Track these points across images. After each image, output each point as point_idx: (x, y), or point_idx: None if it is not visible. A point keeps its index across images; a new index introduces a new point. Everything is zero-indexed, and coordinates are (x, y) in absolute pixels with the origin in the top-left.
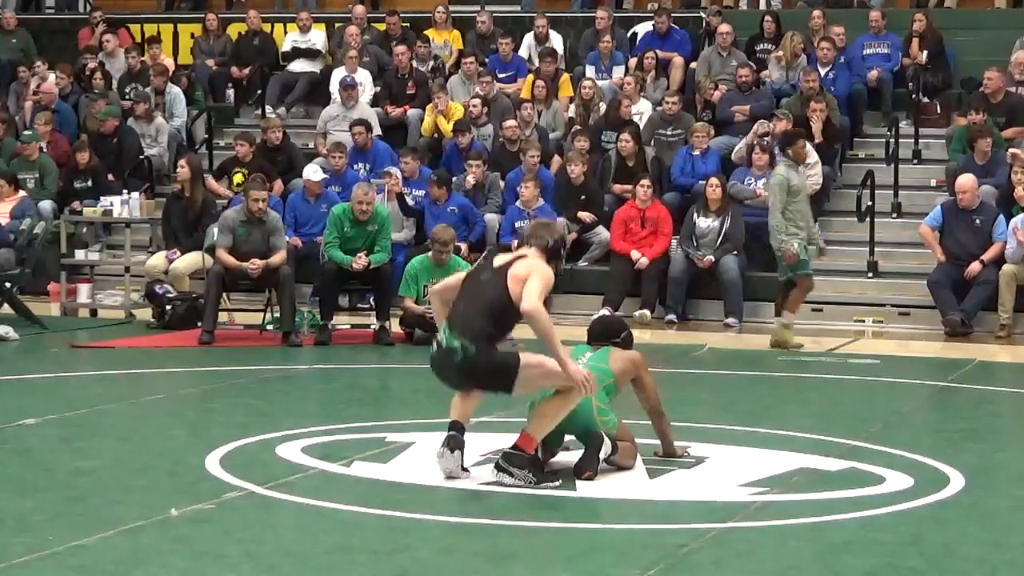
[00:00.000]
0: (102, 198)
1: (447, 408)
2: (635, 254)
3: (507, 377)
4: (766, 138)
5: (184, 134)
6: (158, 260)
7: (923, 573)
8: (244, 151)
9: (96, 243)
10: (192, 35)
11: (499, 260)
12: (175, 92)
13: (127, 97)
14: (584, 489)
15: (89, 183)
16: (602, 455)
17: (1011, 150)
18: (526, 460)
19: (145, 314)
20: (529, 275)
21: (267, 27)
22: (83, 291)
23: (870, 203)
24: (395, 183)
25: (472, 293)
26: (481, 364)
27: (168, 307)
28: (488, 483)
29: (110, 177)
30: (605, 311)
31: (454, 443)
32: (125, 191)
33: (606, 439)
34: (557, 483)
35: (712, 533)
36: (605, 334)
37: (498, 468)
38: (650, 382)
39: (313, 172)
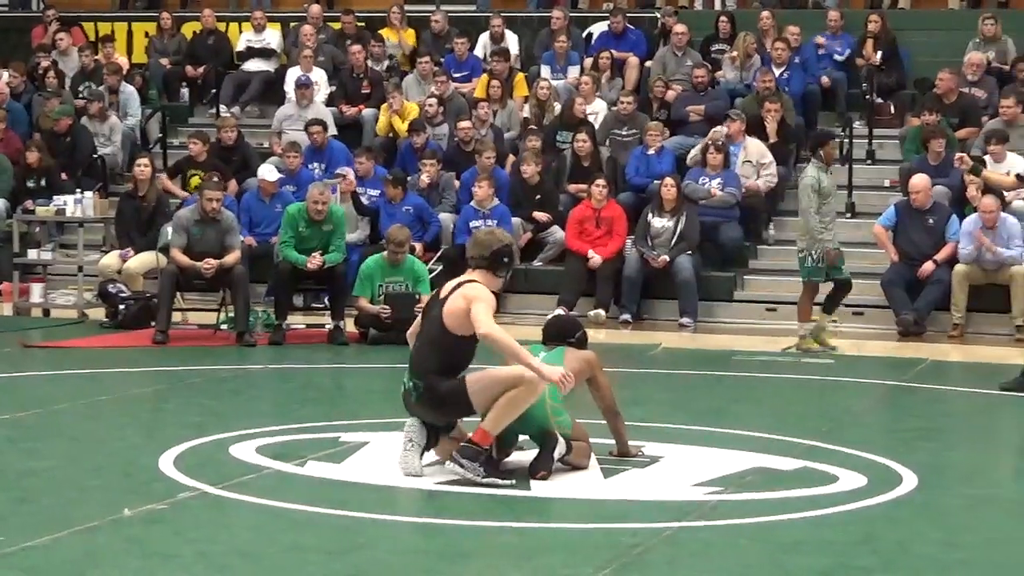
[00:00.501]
0: (55, 197)
1: (401, 408)
2: (590, 253)
3: (461, 401)
4: (721, 139)
5: (138, 133)
6: (112, 259)
7: (875, 572)
8: (198, 149)
9: (49, 242)
10: (146, 34)
11: (446, 289)
12: (129, 91)
13: (80, 96)
14: (539, 489)
15: (42, 182)
16: (556, 455)
17: (959, 154)
18: (479, 453)
19: (98, 314)
20: (468, 307)
21: (222, 26)
22: (36, 290)
23: None
24: (349, 184)
25: (424, 331)
26: (433, 398)
27: (121, 307)
28: (442, 482)
29: (63, 176)
30: (560, 311)
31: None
32: (78, 190)
33: (560, 439)
34: (510, 483)
35: (666, 532)
36: (560, 334)
37: (451, 459)
38: (605, 382)
39: (268, 172)
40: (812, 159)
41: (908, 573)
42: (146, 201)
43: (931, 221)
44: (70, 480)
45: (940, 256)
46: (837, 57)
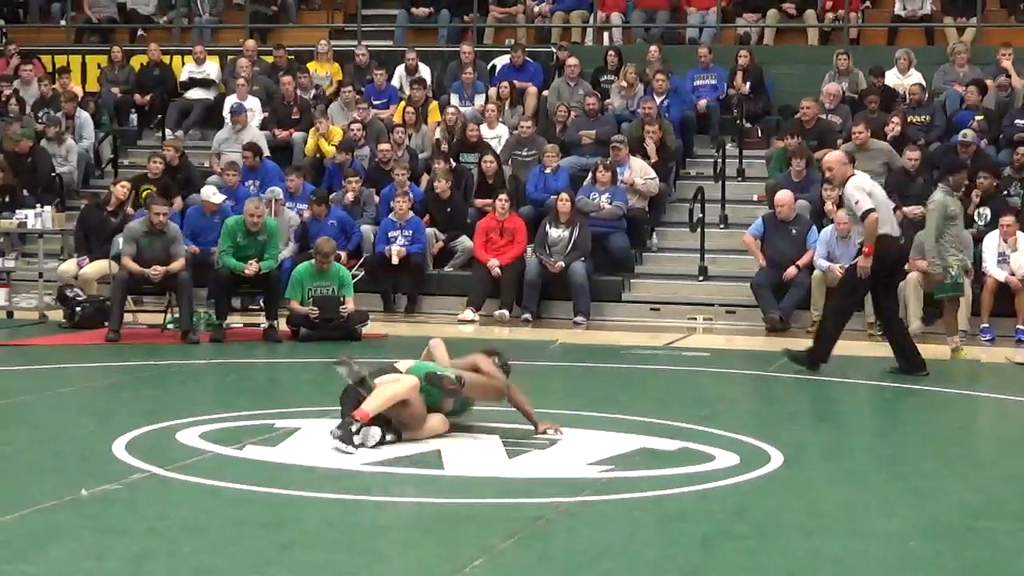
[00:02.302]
0: (17, 211)
1: (329, 398)
2: (492, 263)
3: None
4: (608, 159)
5: (92, 154)
6: (69, 266)
7: (750, 538)
8: (157, 168)
9: (12, 252)
10: (99, 65)
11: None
12: (84, 117)
13: (40, 121)
14: (451, 468)
15: (5, 198)
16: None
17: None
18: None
19: (57, 315)
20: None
21: (166, 59)
22: (1, 295)
23: (701, 215)
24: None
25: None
26: None
27: (78, 309)
28: (366, 463)
29: (25, 192)
30: (468, 312)
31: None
32: (38, 205)
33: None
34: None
35: (564, 506)
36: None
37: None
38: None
39: (212, 194)
40: (940, 185)
41: (777, 539)
42: (115, 217)
43: (794, 231)
44: (33, 463)
45: (802, 262)
46: (711, 81)
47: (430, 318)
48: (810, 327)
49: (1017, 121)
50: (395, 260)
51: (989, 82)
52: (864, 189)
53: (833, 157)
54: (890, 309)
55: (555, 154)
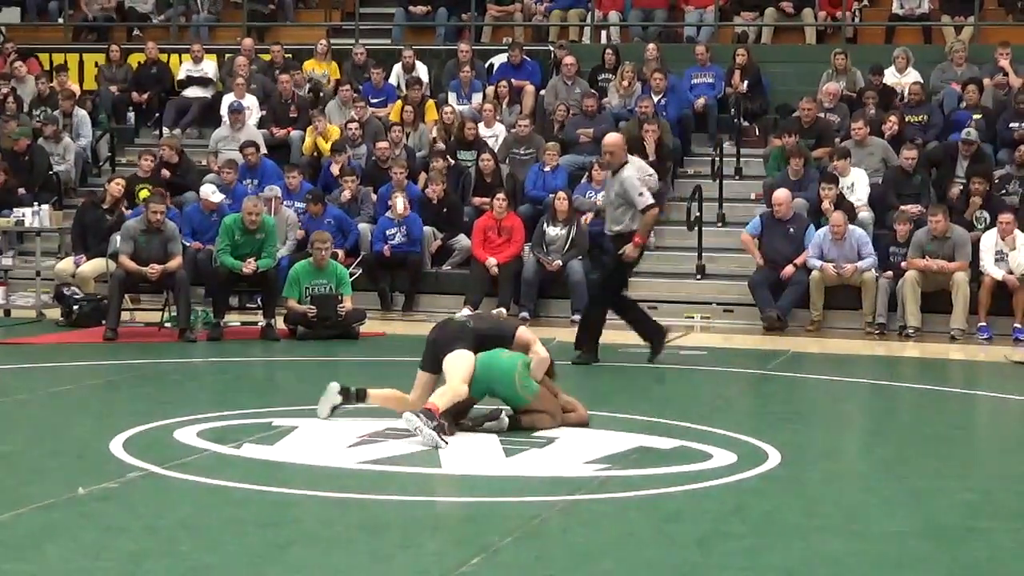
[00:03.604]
0: (14, 210)
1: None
2: (491, 261)
3: None
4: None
5: (89, 152)
6: (66, 265)
7: (746, 538)
8: (148, 166)
9: (9, 250)
10: (96, 64)
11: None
12: (81, 115)
13: (37, 119)
14: (448, 467)
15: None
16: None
17: None
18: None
19: (54, 314)
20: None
21: (164, 57)
22: None
23: (698, 214)
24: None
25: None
26: None
27: (75, 307)
28: (363, 462)
29: (22, 191)
30: (466, 310)
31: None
32: (36, 203)
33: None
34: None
35: (561, 505)
36: None
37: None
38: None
39: (211, 193)
40: None
41: (774, 539)
42: (111, 215)
43: (791, 230)
44: (30, 462)
45: (799, 261)
46: (709, 80)
47: (429, 316)
48: (809, 326)
49: (1011, 124)
50: (386, 252)
51: (986, 81)
52: (643, 181)
53: (613, 139)
54: (624, 299)
55: (555, 152)
